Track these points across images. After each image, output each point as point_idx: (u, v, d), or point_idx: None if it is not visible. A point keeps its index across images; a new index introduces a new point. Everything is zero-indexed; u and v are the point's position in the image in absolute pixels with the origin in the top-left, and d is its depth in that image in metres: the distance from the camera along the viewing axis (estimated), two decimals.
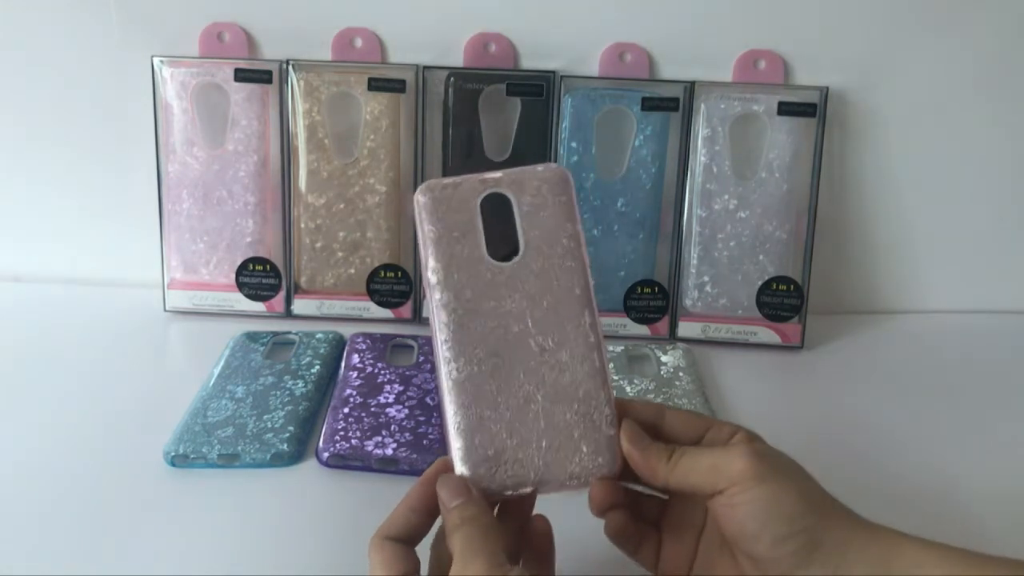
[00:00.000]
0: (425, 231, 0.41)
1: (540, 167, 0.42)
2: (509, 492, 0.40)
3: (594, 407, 0.40)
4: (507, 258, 0.41)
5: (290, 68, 0.74)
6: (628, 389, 0.66)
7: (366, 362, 0.67)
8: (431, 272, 0.41)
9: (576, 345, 0.41)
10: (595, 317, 0.41)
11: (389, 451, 0.57)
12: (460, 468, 0.40)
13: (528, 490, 0.40)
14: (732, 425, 0.41)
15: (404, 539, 0.39)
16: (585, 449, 0.40)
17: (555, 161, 0.75)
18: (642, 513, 0.43)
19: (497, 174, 0.42)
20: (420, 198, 0.41)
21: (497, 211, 0.41)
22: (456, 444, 0.40)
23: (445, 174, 0.75)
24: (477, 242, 0.41)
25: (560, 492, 0.40)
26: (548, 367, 0.40)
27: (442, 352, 0.40)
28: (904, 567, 0.37)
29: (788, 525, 0.37)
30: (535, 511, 0.42)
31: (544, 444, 0.40)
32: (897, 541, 0.38)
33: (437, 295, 0.40)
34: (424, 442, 0.58)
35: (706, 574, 0.41)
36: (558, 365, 0.40)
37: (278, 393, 0.63)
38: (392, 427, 0.59)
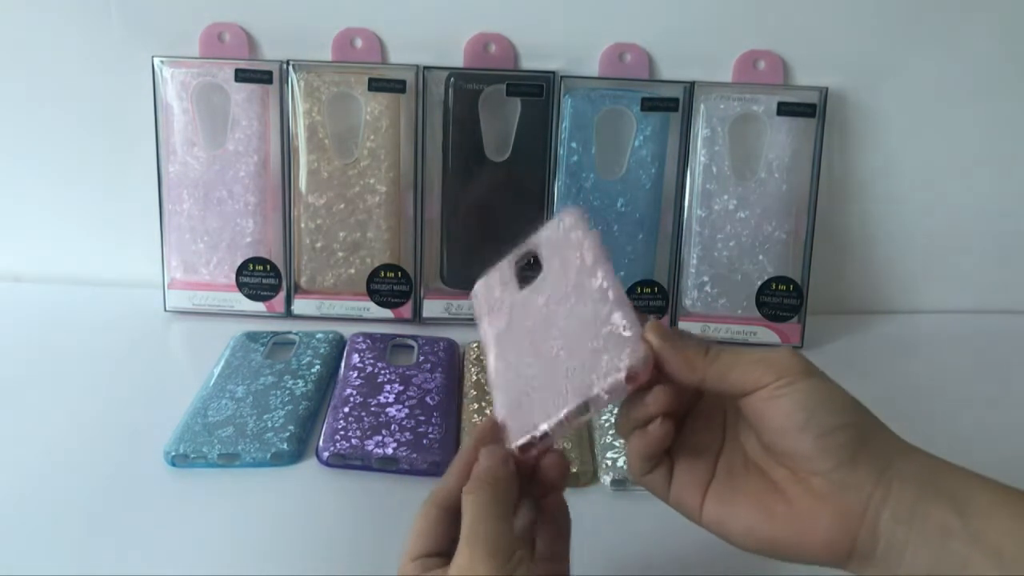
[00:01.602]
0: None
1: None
2: (544, 426, 0.38)
3: (604, 322, 0.38)
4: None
5: (290, 68, 0.74)
6: None
7: (366, 362, 0.67)
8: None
9: (585, 291, 0.40)
10: (605, 267, 0.40)
11: (389, 450, 0.57)
12: (499, 413, 0.40)
13: (562, 414, 0.38)
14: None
15: (451, 504, 0.38)
16: (607, 357, 0.38)
17: (555, 161, 0.75)
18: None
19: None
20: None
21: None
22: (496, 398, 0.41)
23: (445, 174, 0.75)
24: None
25: (590, 402, 0.38)
26: (563, 318, 0.40)
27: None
28: (955, 481, 0.36)
29: (837, 417, 0.36)
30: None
31: (569, 375, 0.39)
32: (939, 463, 0.37)
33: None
34: (424, 441, 0.58)
35: (724, 496, 0.40)
36: (571, 313, 0.40)
37: (278, 393, 0.63)
38: (392, 427, 0.59)
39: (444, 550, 0.37)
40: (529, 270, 0.44)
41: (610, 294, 0.39)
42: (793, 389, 0.36)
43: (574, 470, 0.56)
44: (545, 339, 0.40)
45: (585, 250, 0.41)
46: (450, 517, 0.38)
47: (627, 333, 0.37)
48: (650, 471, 0.41)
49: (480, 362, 0.68)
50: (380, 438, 0.58)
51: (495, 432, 0.39)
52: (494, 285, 0.44)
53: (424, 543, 0.37)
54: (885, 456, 0.36)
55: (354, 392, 0.63)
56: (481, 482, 0.37)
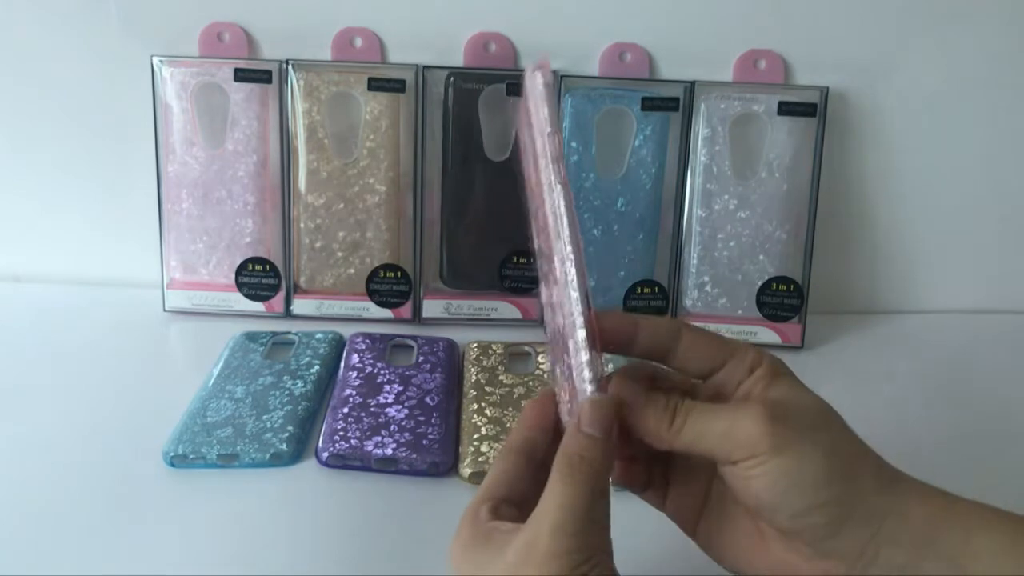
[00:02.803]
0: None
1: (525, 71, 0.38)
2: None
3: (574, 347, 0.35)
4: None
5: (290, 68, 0.74)
6: None
7: (366, 362, 0.67)
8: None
9: (562, 283, 0.36)
10: (571, 236, 0.36)
11: (388, 451, 0.57)
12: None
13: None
14: (754, 354, 0.37)
15: (529, 451, 0.36)
16: (574, 401, 0.36)
17: None
18: (648, 452, 0.39)
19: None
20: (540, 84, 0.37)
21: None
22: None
23: (445, 174, 0.75)
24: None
25: None
26: (558, 311, 0.37)
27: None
28: (954, 536, 0.34)
29: (810, 498, 0.33)
30: None
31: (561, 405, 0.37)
32: (947, 506, 0.34)
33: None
34: (424, 442, 0.58)
35: (715, 525, 0.38)
36: (560, 306, 0.37)
37: (277, 393, 0.63)
38: (391, 427, 0.59)
39: (517, 499, 0.36)
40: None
41: (574, 308, 0.35)
42: (763, 471, 0.34)
43: None
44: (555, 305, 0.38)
45: (554, 200, 0.36)
46: (530, 464, 0.36)
47: (589, 387, 0.35)
48: (642, 490, 0.40)
49: (480, 362, 0.68)
50: (379, 439, 0.58)
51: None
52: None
53: (497, 487, 0.36)
54: (872, 523, 0.34)
55: (353, 392, 0.63)
56: (577, 468, 0.33)
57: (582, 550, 0.32)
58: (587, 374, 0.35)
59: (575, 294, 0.35)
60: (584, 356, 0.34)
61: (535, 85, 0.37)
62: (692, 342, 0.38)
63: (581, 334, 0.35)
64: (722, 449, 0.35)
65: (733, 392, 0.37)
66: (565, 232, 0.35)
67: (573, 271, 0.35)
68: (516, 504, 0.36)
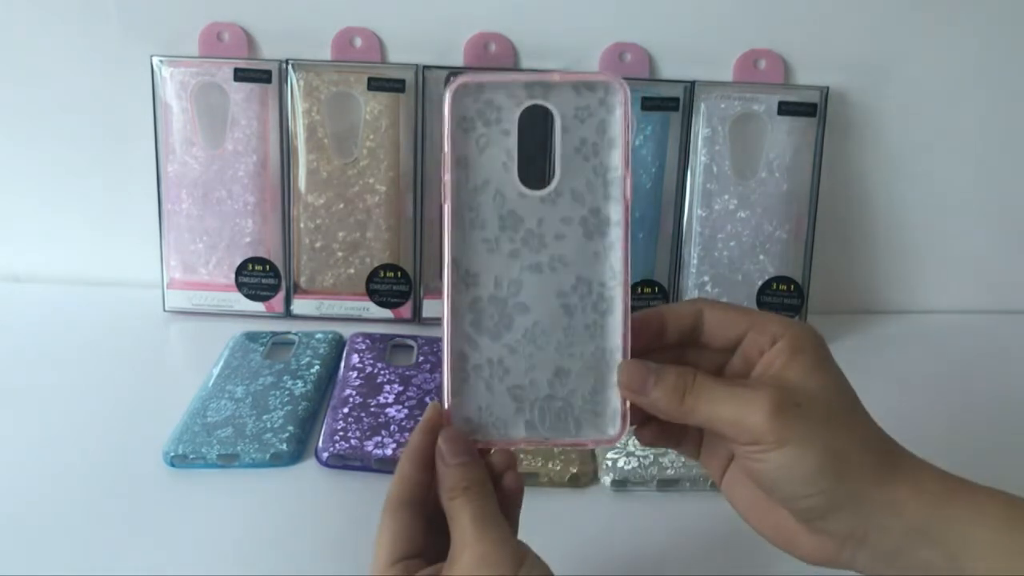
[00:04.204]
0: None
1: (597, 79, 0.38)
2: (500, 442, 0.38)
3: (606, 360, 0.38)
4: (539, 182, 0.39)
5: (290, 68, 0.74)
6: None
7: (366, 362, 0.67)
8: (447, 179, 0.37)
9: (601, 286, 0.38)
10: (623, 252, 0.38)
11: (388, 451, 0.57)
12: (453, 416, 0.38)
13: (520, 442, 0.38)
14: (777, 324, 0.38)
15: (418, 501, 0.37)
16: (589, 409, 0.38)
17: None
18: None
19: (547, 77, 0.38)
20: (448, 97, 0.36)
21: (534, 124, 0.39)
22: (447, 387, 0.37)
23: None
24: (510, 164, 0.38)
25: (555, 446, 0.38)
26: (566, 308, 0.38)
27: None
28: (949, 525, 0.34)
29: (804, 488, 0.35)
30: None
31: (547, 396, 0.37)
32: (946, 495, 0.35)
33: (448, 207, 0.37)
34: None
35: (736, 479, 0.40)
36: (578, 306, 0.38)
37: (277, 393, 0.63)
38: (391, 427, 0.59)
39: (422, 551, 0.37)
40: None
41: (621, 302, 0.37)
42: (764, 458, 0.35)
43: (574, 470, 0.56)
44: (538, 308, 0.38)
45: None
46: (421, 516, 0.37)
47: (614, 393, 0.37)
48: (676, 445, 0.41)
49: None
50: (379, 439, 0.58)
51: (441, 420, 0.38)
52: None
53: (403, 546, 0.36)
54: (862, 512, 0.35)
55: (353, 392, 0.63)
56: (466, 497, 0.35)
57: (513, 555, 0.34)
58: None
59: (446, 325, 0.36)
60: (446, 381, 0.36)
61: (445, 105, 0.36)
62: (714, 317, 0.39)
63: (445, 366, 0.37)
64: (728, 432, 0.36)
65: (756, 361, 0.38)
66: (448, 254, 0.36)
67: (448, 299, 0.36)
68: (422, 556, 0.37)
